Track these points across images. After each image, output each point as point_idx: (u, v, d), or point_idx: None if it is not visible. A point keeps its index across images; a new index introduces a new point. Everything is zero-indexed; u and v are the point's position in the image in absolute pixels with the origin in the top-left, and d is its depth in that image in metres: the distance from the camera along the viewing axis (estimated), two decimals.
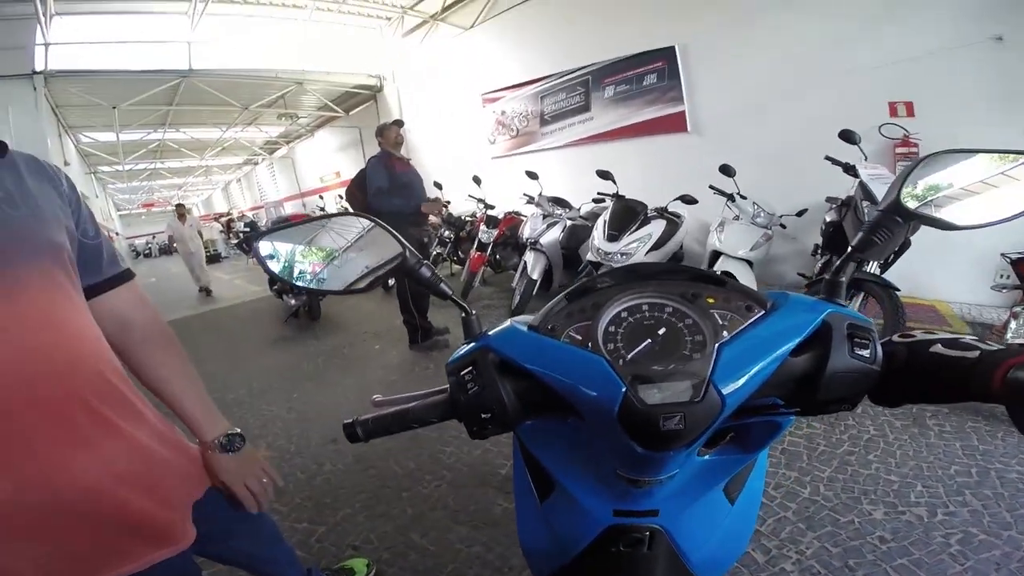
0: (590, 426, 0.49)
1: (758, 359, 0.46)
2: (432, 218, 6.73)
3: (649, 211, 4.21)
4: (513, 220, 5.70)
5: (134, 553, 0.73)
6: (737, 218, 3.88)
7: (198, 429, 0.88)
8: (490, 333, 0.57)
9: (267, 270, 0.63)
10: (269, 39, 8.61)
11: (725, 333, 0.50)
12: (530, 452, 0.63)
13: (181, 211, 8.62)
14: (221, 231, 17.86)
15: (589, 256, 4.22)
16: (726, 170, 3.92)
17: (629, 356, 0.50)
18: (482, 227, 5.59)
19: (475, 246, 5.63)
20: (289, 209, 16.52)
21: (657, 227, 4.09)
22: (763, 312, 0.52)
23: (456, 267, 6.77)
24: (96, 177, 15.56)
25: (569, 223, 4.86)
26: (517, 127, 7.63)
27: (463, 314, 0.60)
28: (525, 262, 4.73)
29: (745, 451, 0.59)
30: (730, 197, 3.96)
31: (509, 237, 5.63)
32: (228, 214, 21.76)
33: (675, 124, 5.70)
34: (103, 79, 7.84)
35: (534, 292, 4.58)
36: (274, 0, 7.99)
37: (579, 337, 0.53)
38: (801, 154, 4.16)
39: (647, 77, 5.91)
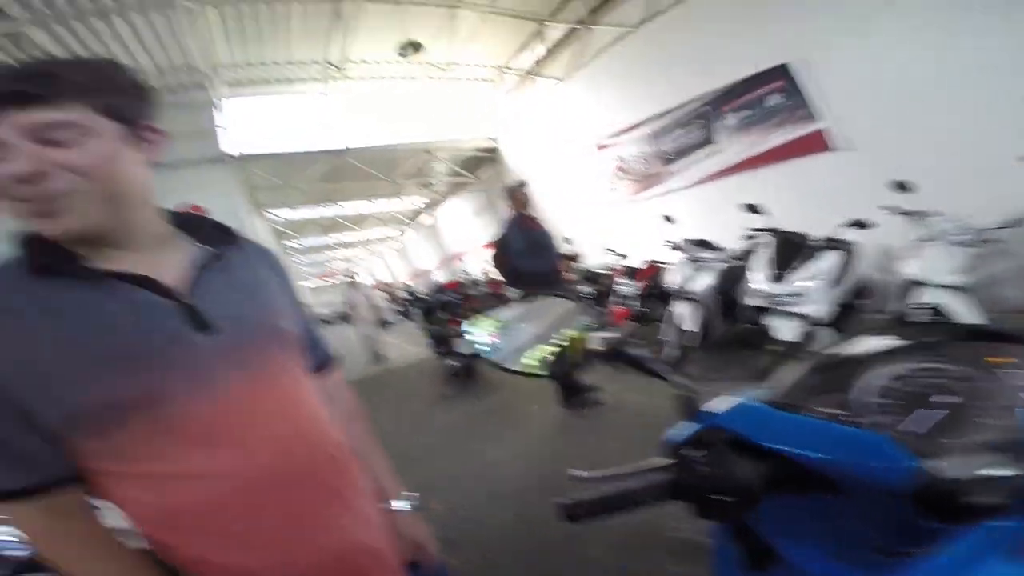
0: (851, 502, 0.47)
1: None
2: (571, 275, 6.84)
3: (813, 242, 3.86)
4: (654, 269, 5.58)
5: None
6: (930, 239, 3.41)
7: (389, 490, 0.92)
8: (718, 411, 0.56)
9: (468, 346, 0.70)
10: (398, 113, 9.73)
11: None
12: (743, 524, 0.59)
13: (353, 281, 9.64)
14: (385, 299, 19.86)
15: (751, 301, 3.95)
16: (902, 186, 3.52)
17: (907, 427, 0.47)
18: (620, 279, 5.53)
19: (616, 299, 5.56)
20: (439, 275, 17.90)
21: (830, 260, 3.72)
22: None
23: None
24: (285, 252, 17.88)
25: (722, 266, 4.62)
26: (639, 170, 7.59)
27: (681, 391, 0.59)
28: (676, 313, 4.55)
29: None
30: (915, 216, 3.50)
31: (652, 286, 5.49)
32: (389, 283, 24.08)
33: (813, 144, 5.31)
34: (274, 160, 9.07)
35: (698, 344, 4.38)
36: (393, 74, 8.96)
37: (836, 411, 0.51)
38: (988, 153, 3.65)
39: (768, 99, 5.64)
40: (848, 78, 4.87)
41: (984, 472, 0.42)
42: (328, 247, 20.26)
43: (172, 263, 0.70)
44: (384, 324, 9.86)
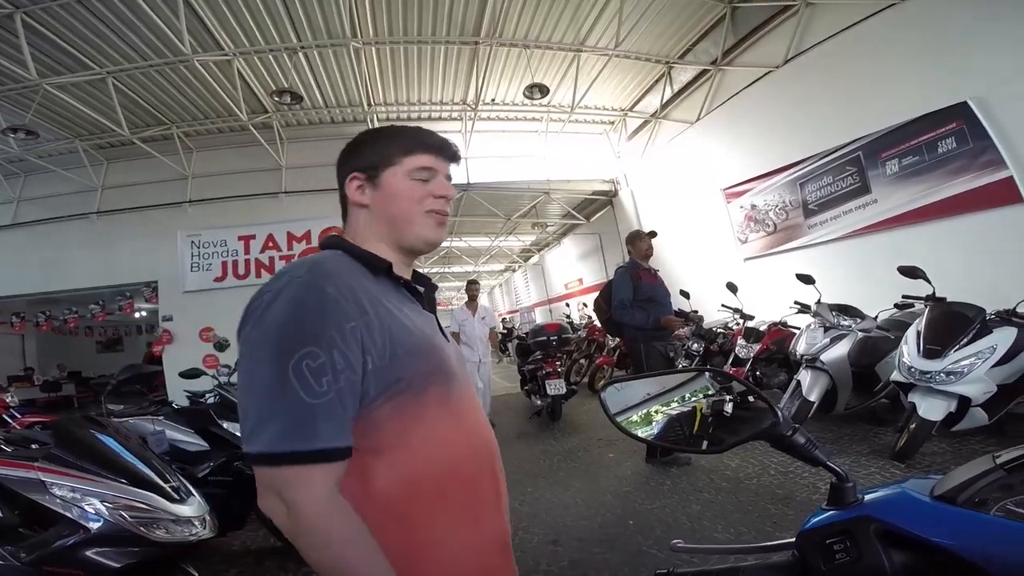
0: None
1: None
2: (680, 331, 6.51)
3: (988, 316, 3.28)
4: (780, 333, 5.11)
5: None
6: None
7: None
8: (869, 500, 0.55)
9: (607, 412, 0.73)
10: (519, 153, 10.32)
11: None
12: None
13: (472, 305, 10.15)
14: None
15: (895, 376, 3.48)
16: None
17: None
18: (740, 340, 5.15)
19: (730, 361, 5.17)
20: (539, 315, 18.17)
21: (1005, 336, 3.16)
22: None
23: None
24: None
25: (861, 335, 4.09)
26: (773, 221, 7.09)
27: (834, 479, 0.58)
28: (799, 381, 4.14)
29: None
30: None
31: (775, 352, 5.02)
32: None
33: (1000, 195, 4.56)
34: None
35: (810, 414, 3.99)
36: (519, 115, 9.71)
37: None
38: None
39: (941, 143, 5.01)
40: None
41: None
42: (445, 277, 21.68)
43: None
44: None
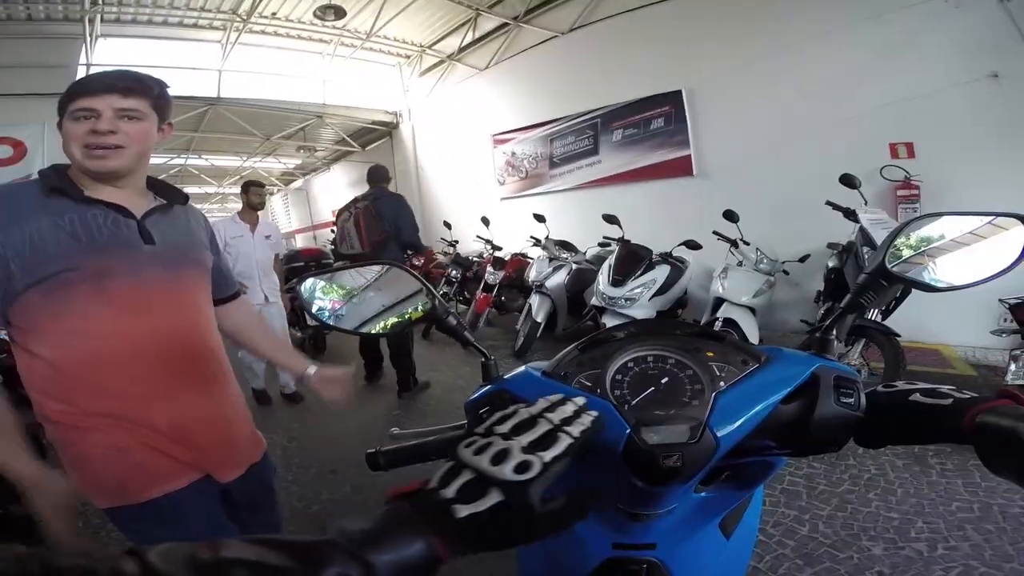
0: (593, 463, 0.52)
1: (751, 406, 0.53)
2: (440, 257, 7.01)
3: (654, 256, 4.43)
4: (519, 262, 5.95)
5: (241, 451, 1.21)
6: (741, 264, 4.10)
7: (296, 366, 1.31)
8: (506, 377, 0.67)
9: (307, 310, 0.76)
10: (293, 71, 9.20)
11: (722, 383, 0.57)
12: None
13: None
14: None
15: (594, 300, 4.43)
16: (730, 215, 4.17)
17: (634, 402, 0.57)
18: (489, 268, 5.82)
19: (481, 287, 5.85)
20: (300, 241, 16.96)
21: (661, 272, 4.32)
22: (757, 365, 0.60)
23: (462, 307, 7.01)
24: None
25: (575, 267, 5.08)
26: (526, 168, 8.02)
27: (483, 359, 0.69)
28: (530, 304, 4.94)
29: (740, 488, 0.65)
30: (733, 243, 4.19)
31: (515, 279, 5.84)
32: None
33: (681, 168, 6.01)
34: None
35: (538, 334, 4.80)
36: (301, 34, 8.50)
37: (589, 384, 0.61)
38: (804, 198, 4.42)
39: (655, 121, 6.27)
40: (722, 114, 5.58)
41: (669, 440, 0.50)
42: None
43: (139, 203, 1.08)
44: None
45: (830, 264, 3.76)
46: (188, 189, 15.44)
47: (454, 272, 6.31)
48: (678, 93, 5.96)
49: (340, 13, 7.56)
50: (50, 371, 0.96)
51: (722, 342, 0.65)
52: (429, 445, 0.66)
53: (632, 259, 4.38)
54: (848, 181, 3.53)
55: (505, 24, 8.23)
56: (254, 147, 12.19)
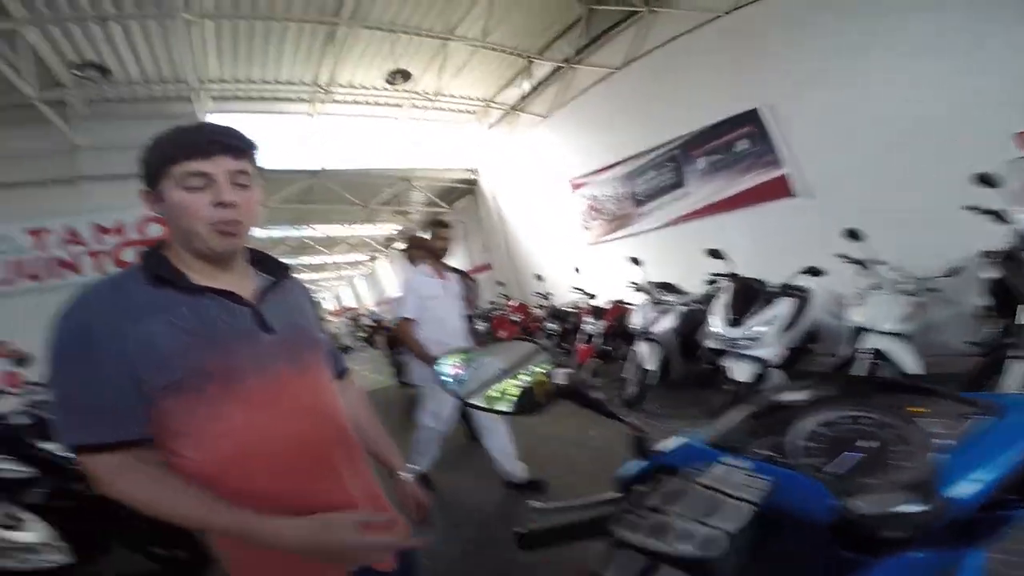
0: (784, 535, 0.50)
1: (990, 463, 0.48)
2: (536, 311, 6.96)
3: (770, 288, 4.08)
4: (619, 309, 5.76)
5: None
6: (878, 287, 3.63)
7: (395, 463, 1.22)
8: (662, 449, 0.63)
9: (445, 386, 0.78)
10: (377, 138, 9.88)
11: (942, 441, 0.52)
12: None
13: None
14: (349, 324, 19.88)
15: (709, 343, 4.13)
16: (853, 234, 3.76)
17: (831, 468, 0.53)
18: (587, 318, 5.69)
19: (582, 338, 5.71)
20: None
21: (784, 306, 3.94)
22: (983, 417, 0.54)
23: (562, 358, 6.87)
24: None
25: (683, 309, 4.81)
26: (611, 211, 7.89)
27: (635, 433, 0.66)
28: (638, 352, 4.72)
29: (965, 547, 0.58)
30: (863, 264, 3.75)
31: (617, 327, 5.66)
32: (354, 308, 24.01)
33: (778, 189, 5.63)
34: None
35: (647, 381, 4.57)
36: (378, 100, 9.22)
37: (770, 452, 0.57)
38: (933, 206, 3.96)
39: (738, 144, 5.98)
40: (815, 126, 5.22)
41: (894, 509, 0.47)
42: (297, 269, 20.14)
43: (246, 284, 0.99)
44: (344, 349, 9.61)
45: (989, 275, 3.23)
46: (303, 260, 16.89)
47: (552, 325, 6.22)
48: (753, 112, 5.67)
49: (407, 76, 8.14)
50: (197, 473, 0.88)
51: (929, 394, 0.60)
52: (582, 523, 0.64)
53: (747, 294, 4.06)
54: (987, 180, 3.03)
55: (559, 68, 8.40)
56: (356, 215, 13.06)
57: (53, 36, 5.98)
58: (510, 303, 8.17)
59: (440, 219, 3.47)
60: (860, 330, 3.47)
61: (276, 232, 13.82)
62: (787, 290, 4.07)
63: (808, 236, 4.86)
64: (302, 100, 8.72)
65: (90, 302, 0.87)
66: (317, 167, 9.31)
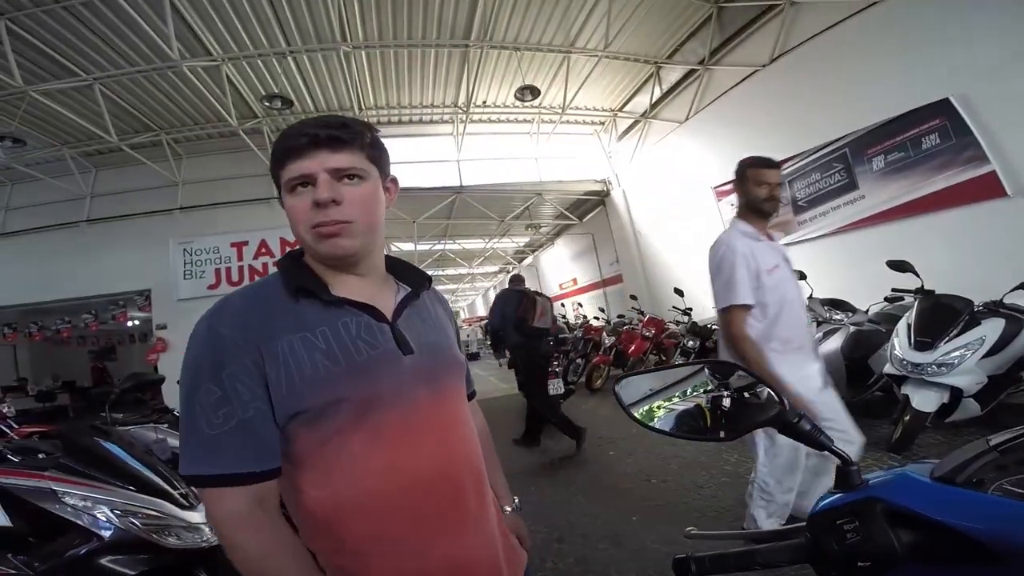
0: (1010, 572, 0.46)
1: None
2: (672, 327, 6.57)
3: (976, 307, 3.36)
4: None
5: None
6: None
7: (504, 497, 1.11)
8: (873, 482, 0.58)
9: (622, 405, 0.75)
10: (512, 154, 10.38)
11: None
12: None
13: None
14: (480, 333, 20.96)
15: (888, 368, 3.54)
16: None
17: None
18: None
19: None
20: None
21: (992, 328, 3.23)
22: None
23: None
24: None
25: (853, 329, 4.16)
26: None
27: (840, 463, 0.60)
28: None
29: None
30: None
31: None
32: (485, 317, 25.37)
33: (984, 189, 4.69)
34: (403, 196, 10.07)
35: None
36: (510, 117, 9.76)
37: (1020, 491, 0.51)
38: None
39: (926, 139, 5.14)
40: (1019, 111, 4.33)
41: None
42: (439, 280, 21.60)
43: (385, 295, 0.91)
44: (473, 356, 9.98)
45: None
46: (447, 271, 18.32)
47: (690, 342, 5.80)
48: (945, 102, 4.84)
49: (535, 92, 8.39)
50: (319, 510, 0.79)
51: None
52: (758, 554, 0.60)
53: (942, 314, 3.39)
54: None
55: (693, 71, 7.94)
56: (492, 229, 13.72)
57: (245, 70, 7.14)
58: (642, 317, 7.80)
59: (761, 157, 2.36)
60: None
61: (423, 246, 14.92)
62: (998, 309, 3.32)
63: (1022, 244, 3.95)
64: (444, 121, 9.49)
65: (229, 311, 0.80)
66: (458, 184, 9.87)
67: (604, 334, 8.61)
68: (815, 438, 0.63)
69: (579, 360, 8.76)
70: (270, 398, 0.75)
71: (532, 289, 5.33)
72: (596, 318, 10.15)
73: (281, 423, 0.76)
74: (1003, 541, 0.46)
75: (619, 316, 9.32)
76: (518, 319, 4.90)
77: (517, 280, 5.51)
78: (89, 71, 6.55)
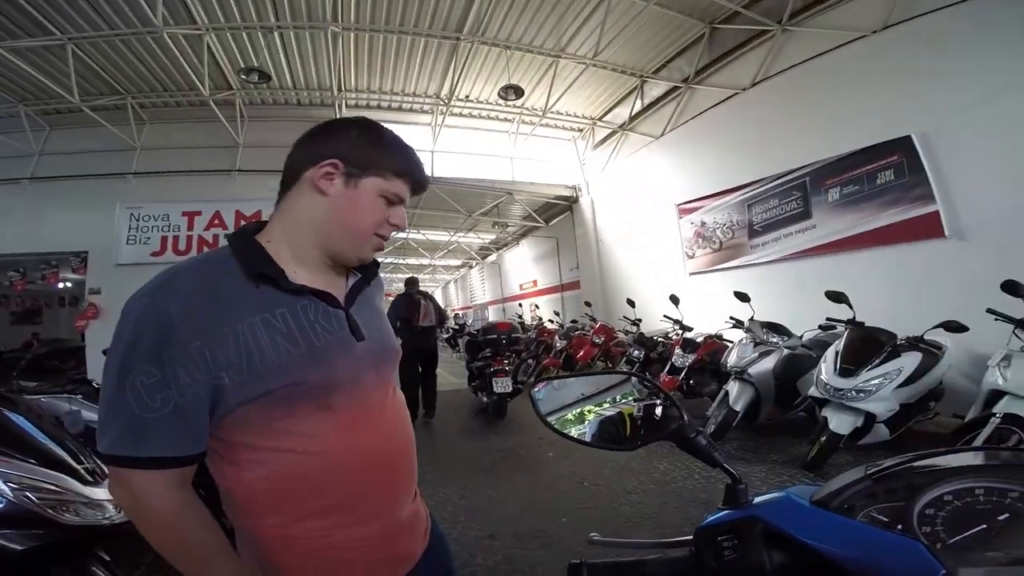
0: None
1: None
2: (621, 335, 6.72)
3: (899, 341, 3.60)
4: (714, 345, 5.37)
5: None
6: None
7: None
8: (757, 502, 0.60)
9: (537, 411, 0.77)
10: (486, 151, 10.36)
11: None
12: None
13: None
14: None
15: (812, 391, 3.78)
16: (1012, 288, 3.20)
17: (952, 541, 0.49)
18: (677, 350, 5.39)
19: (667, 369, 5.43)
20: (492, 313, 18.24)
21: (910, 361, 3.49)
22: None
23: None
24: None
25: (787, 352, 4.38)
26: (720, 239, 7.40)
27: (729, 480, 0.62)
28: (727, 391, 4.39)
29: None
30: (1019, 324, 3.18)
31: (708, 362, 5.28)
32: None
33: (926, 228, 4.89)
34: None
35: (734, 423, 4.25)
36: (490, 114, 9.75)
37: (885, 519, 0.53)
38: None
39: (880, 174, 5.34)
40: (980, 158, 4.51)
41: None
42: (399, 268, 21.46)
43: (338, 281, 0.94)
44: None
45: None
46: (408, 260, 18.09)
47: (636, 352, 5.96)
48: (906, 139, 5.02)
49: (519, 92, 8.38)
50: (262, 488, 0.80)
51: None
52: (647, 567, 0.62)
53: (868, 345, 3.62)
54: None
55: (676, 88, 8.12)
56: (459, 223, 13.64)
57: (228, 41, 6.91)
58: (594, 324, 7.96)
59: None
60: (997, 394, 2.98)
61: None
62: (917, 344, 3.57)
63: (954, 284, 4.25)
64: (424, 111, 9.39)
65: (177, 288, 0.76)
66: (430, 175, 9.75)
67: (557, 337, 8.74)
68: (709, 454, 0.66)
69: (531, 360, 8.87)
70: (219, 381, 0.74)
71: (422, 291, 6.22)
72: (551, 321, 10.28)
73: (235, 404, 0.75)
74: (861, 567, 0.48)
75: (573, 321, 9.46)
76: (402, 319, 5.76)
77: (411, 283, 6.28)
78: (65, 30, 6.20)
